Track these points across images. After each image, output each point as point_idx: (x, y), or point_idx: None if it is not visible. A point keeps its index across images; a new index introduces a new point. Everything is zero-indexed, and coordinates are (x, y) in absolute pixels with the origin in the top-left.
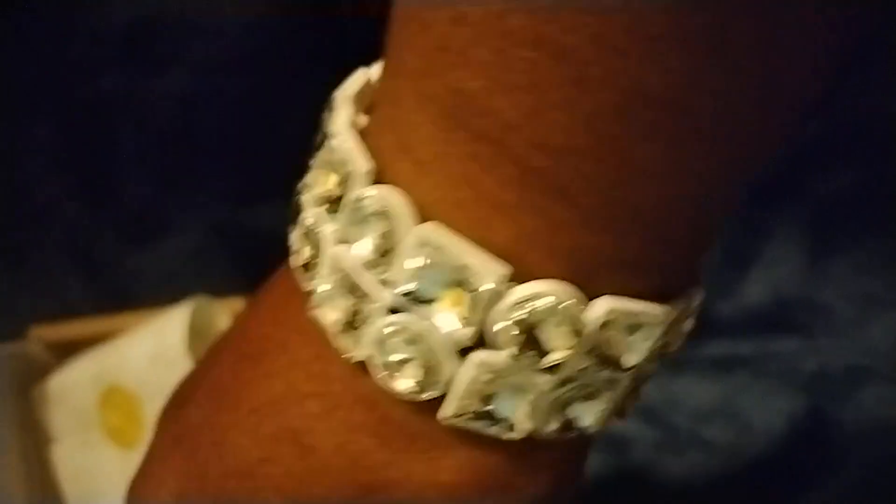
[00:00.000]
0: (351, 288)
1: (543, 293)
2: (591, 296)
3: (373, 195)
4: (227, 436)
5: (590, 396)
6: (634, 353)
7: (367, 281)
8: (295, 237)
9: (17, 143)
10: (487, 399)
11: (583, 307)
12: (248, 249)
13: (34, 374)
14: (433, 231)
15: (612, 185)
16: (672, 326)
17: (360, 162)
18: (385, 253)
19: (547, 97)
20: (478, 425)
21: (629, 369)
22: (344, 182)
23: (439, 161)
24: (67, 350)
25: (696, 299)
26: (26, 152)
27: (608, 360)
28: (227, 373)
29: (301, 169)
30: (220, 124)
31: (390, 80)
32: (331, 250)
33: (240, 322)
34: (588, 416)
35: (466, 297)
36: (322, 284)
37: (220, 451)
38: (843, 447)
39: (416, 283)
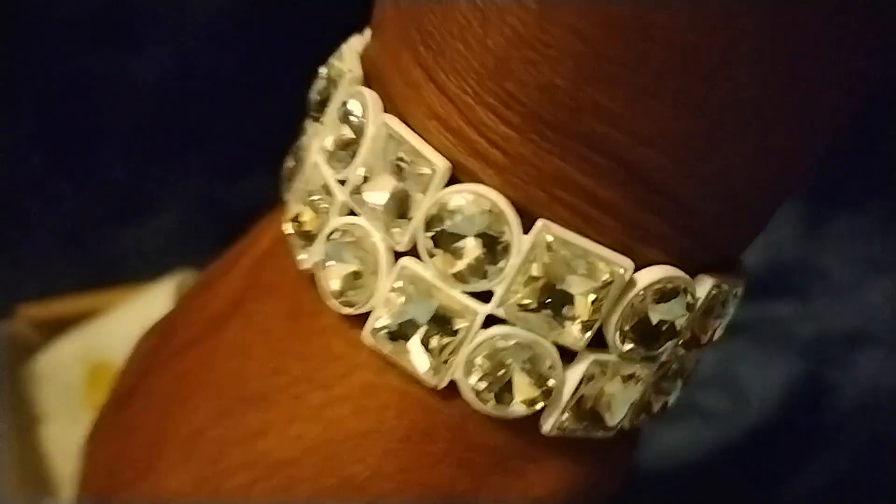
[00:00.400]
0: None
1: (665, 279)
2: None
3: (466, 204)
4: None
5: (673, 380)
6: (716, 329)
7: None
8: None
9: None
10: (594, 400)
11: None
12: (233, 225)
13: (22, 354)
14: (551, 230)
15: (710, 175)
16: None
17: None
18: (491, 260)
19: (650, 86)
20: (583, 429)
21: (704, 345)
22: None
23: (520, 160)
24: (55, 329)
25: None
26: (8, 133)
27: (694, 341)
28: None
29: (286, 142)
30: (201, 101)
31: (437, 71)
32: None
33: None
34: (663, 401)
35: (587, 299)
36: (293, 195)
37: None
38: (842, 413)
39: (534, 296)
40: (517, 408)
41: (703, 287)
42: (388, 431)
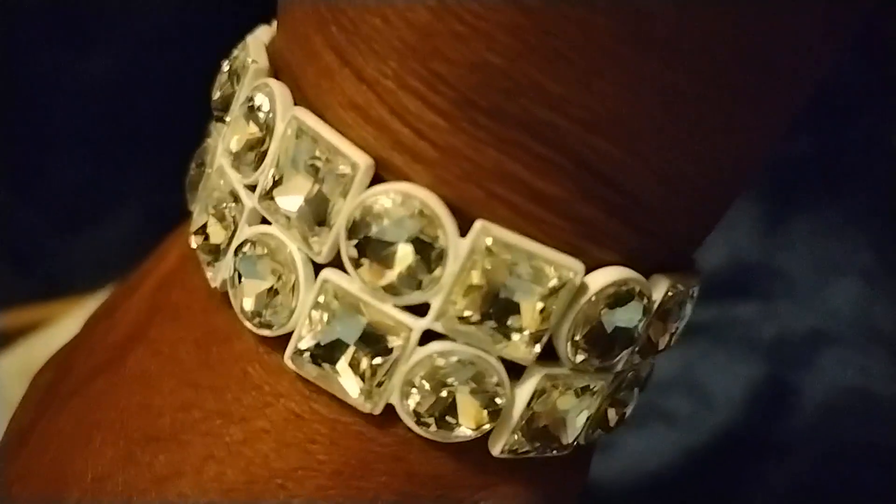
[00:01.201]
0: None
1: (619, 281)
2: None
3: (397, 208)
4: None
5: (629, 389)
6: (674, 333)
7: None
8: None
9: None
10: (546, 417)
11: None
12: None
13: None
14: (491, 232)
15: (662, 165)
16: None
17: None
18: (426, 268)
19: (596, 64)
20: (536, 449)
21: (661, 351)
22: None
23: (453, 153)
24: (2, 342)
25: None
26: None
27: (651, 346)
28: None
29: None
30: (152, 105)
31: (357, 55)
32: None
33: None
34: (620, 413)
35: (535, 308)
36: (198, 206)
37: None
38: (806, 414)
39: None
40: (463, 431)
41: (659, 289)
42: (318, 467)
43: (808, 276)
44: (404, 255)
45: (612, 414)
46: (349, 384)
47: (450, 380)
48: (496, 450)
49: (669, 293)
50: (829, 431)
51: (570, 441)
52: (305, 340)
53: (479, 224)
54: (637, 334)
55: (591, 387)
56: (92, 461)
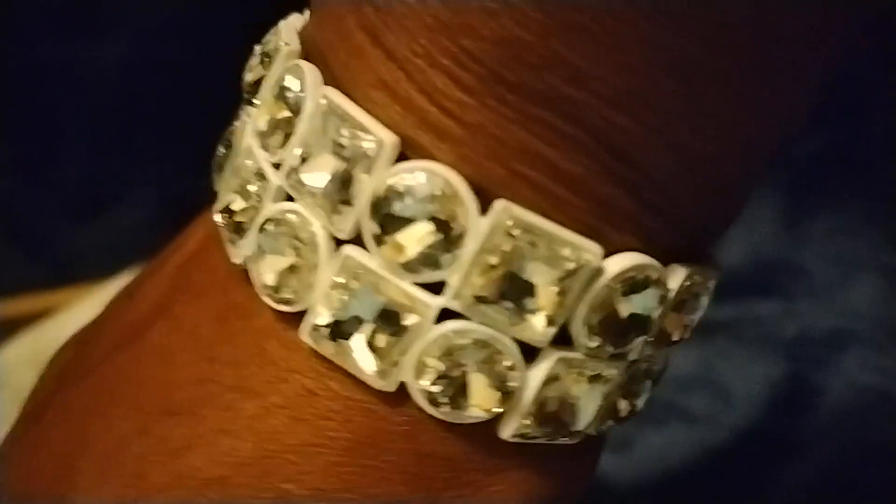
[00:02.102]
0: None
1: (637, 267)
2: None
3: (421, 185)
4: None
5: (642, 381)
6: (689, 326)
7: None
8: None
9: None
10: (558, 403)
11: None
12: None
13: None
14: (512, 212)
15: (682, 144)
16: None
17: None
18: (445, 247)
19: (620, 38)
20: (545, 435)
21: (675, 343)
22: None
23: (478, 130)
24: (8, 330)
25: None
26: None
27: (665, 337)
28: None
29: None
30: (163, 93)
31: (379, 28)
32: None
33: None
34: (631, 404)
35: (552, 290)
36: (224, 184)
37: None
38: (826, 414)
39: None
40: (474, 412)
41: (676, 278)
42: (330, 444)
43: (828, 275)
44: (425, 232)
45: (623, 405)
46: (365, 360)
47: (464, 360)
48: (506, 433)
49: (686, 283)
50: (849, 431)
51: (581, 428)
52: (323, 316)
53: (499, 204)
54: (652, 323)
55: (604, 374)
56: (107, 431)
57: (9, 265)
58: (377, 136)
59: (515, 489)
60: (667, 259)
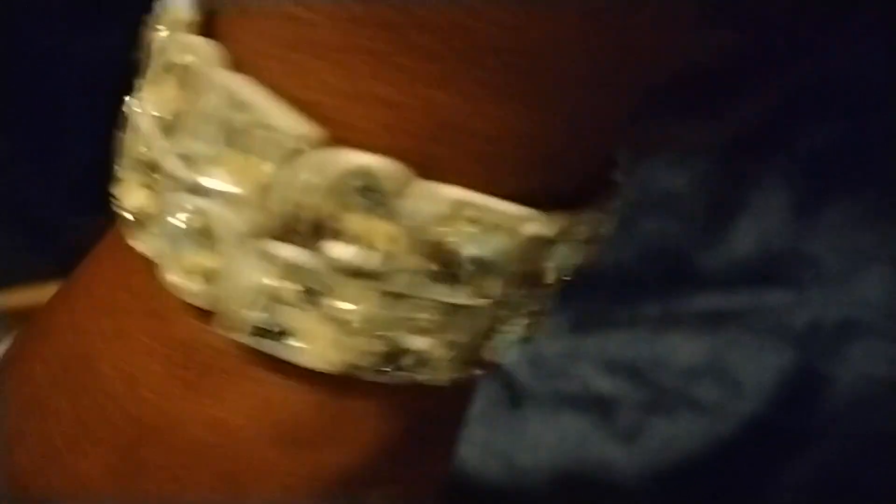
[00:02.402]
0: (150, 166)
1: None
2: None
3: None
4: (26, 356)
5: (430, 321)
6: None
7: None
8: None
9: None
10: (274, 307)
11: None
12: None
13: None
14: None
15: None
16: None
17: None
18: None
19: None
20: (264, 343)
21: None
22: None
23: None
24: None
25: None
26: None
27: (528, 281)
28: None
29: None
30: None
31: None
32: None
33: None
34: (419, 342)
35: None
36: (125, 171)
37: (17, 373)
38: (836, 404)
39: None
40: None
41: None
42: (118, 313)
43: (838, 265)
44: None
45: (485, 348)
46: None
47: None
48: (218, 323)
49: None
50: (858, 421)
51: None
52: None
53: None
54: (499, 267)
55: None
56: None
57: (12, 256)
58: (285, 127)
59: (260, 405)
60: (534, 200)
